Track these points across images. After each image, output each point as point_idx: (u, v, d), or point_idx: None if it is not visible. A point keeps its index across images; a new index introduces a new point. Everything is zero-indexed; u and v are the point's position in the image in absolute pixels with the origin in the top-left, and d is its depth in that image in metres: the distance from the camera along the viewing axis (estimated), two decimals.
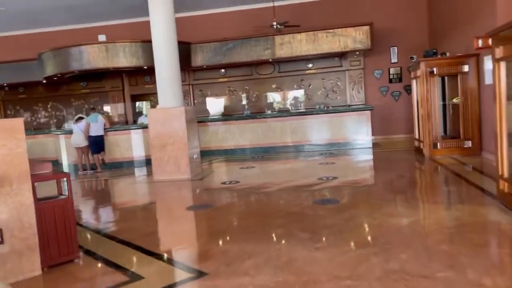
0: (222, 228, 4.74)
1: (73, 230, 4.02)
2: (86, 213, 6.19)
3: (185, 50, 11.30)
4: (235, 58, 11.48)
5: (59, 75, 11.16)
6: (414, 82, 9.23)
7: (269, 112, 11.79)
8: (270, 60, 11.71)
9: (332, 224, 4.50)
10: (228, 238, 4.39)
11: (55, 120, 13.23)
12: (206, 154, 11.18)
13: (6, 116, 13.97)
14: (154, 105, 11.50)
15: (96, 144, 9.85)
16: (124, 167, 10.13)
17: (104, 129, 9.99)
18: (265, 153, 10.92)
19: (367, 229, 4.37)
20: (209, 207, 5.73)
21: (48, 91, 13.66)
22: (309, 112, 11.04)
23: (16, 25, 12.87)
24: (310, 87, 12.70)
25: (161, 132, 8.13)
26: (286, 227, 4.55)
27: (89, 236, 4.85)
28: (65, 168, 10.61)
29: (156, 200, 6.79)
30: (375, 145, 10.76)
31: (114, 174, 9.52)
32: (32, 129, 13.10)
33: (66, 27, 13.27)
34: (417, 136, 9.18)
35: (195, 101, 13.24)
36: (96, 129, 9.81)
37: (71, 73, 10.96)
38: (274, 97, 13.04)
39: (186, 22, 12.67)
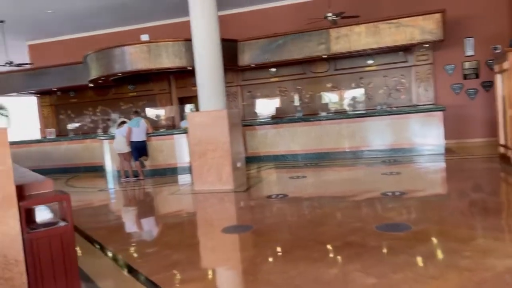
0: (258, 263, 3.78)
1: (73, 265, 3.25)
2: (106, 230, 5.50)
3: (231, 49, 10.52)
4: (286, 55, 10.49)
5: (103, 78, 10.80)
6: (498, 77, 7.70)
7: (324, 114, 10.67)
8: (325, 56, 10.58)
9: (404, 264, 3.38)
10: (262, 280, 3.42)
11: (104, 125, 13.00)
12: (253, 160, 10.31)
13: (58, 120, 14.02)
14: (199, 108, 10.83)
15: (138, 150, 9.31)
16: (167, 174, 9.51)
17: (147, 134, 9.43)
18: (319, 160, 9.83)
19: (455, 275, 3.20)
20: (248, 229, 4.79)
21: (98, 95, 13.50)
22: (369, 113, 9.79)
23: (64, 29, 12.82)
24: (371, 86, 11.40)
25: (201, 138, 7.36)
26: (343, 267, 3.50)
27: (99, 262, 4.11)
28: (109, 174, 10.20)
29: (189, 218, 5.96)
30: (447, 151, 9.29)
31: (155, 183, 8.90)
32: (81, 133, 12.99)
33: (111, 30, 13.11)
34: (502, 141, 7.66)
35: (244, 103, 12.42)
36: (138, 135, 9.27)
37: (114, 75, 10.55)
38: (329, 98, 11.88)
39: (232, 20, 11.91)
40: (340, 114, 10.14)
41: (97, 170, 11.17)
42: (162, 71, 10.99)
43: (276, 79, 12.07)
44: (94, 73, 10.68)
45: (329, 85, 11.75)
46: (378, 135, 9.57)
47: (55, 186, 3.43)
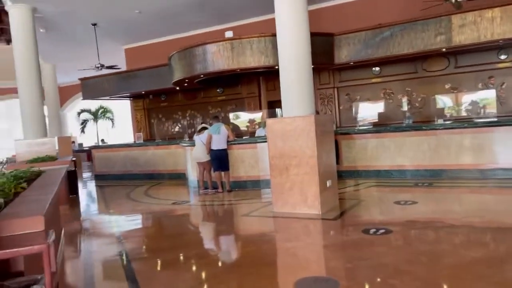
0: None
1: None
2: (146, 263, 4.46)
3: (326, 44, 9.05)
4: (393, 50, 8.67)
5: (186, 80, 10.11)
6: None
7: (441, 121, 8.61)
8: (444, 50, 8.52)
9: None
10: None
11: (190, 130, 12.44)
12: (349, 175, 8.71)
13: (150, 124, 13.88)
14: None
15: (218, 159, 8.34)
16: (248, 187, 8.39)
17: (228, 141, 8.43)
18: (433, 178, 7.87)
19: None
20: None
21: (187, 98, 13.03)
22: (504, 122, 7.54)
23: (155, 31, 12.56)
24: (503, 87, 9.01)
25: (282, 150, 6.06)
26: None
27: None
28: (191, 184, 9.41)
29: (255, 257, 4.60)
30: None
31: (233, 197, 7.83)
32: (167, 138, 12.59)
33: (197, 32, 12.57)
34: None
35: (341, 108, 10.82)
36: (218, 142, 8.31)
37: (197, 77, 9.77)
38: (446, 102, 9.71)
39: (328, 12, 10.44)
40: (463, 122, 8.02)
41: (180, 178, 10.53)
42: (249, 72, 9.95)
43: (380, 79, 10.25)
44: (177, 75, 10.04)
45: (447, 86, 9.59)
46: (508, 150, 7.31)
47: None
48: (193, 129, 12.67)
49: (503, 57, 8.93)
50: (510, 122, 7.41)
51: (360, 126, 9.70)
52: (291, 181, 6.03)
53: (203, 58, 8.94)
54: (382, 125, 9.51)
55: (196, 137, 8.72)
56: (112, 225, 6.67)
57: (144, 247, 5.15)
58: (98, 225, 6.73)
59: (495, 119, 8.16)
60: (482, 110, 9.16)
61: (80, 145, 19.02)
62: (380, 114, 10.25)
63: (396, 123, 9.71)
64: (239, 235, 5.50)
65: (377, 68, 10.23)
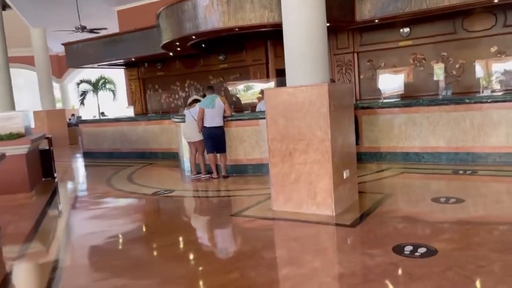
0: None
1: None
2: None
3: None
4: (429, 2, 6.92)
5: (177, 43, 8.57)
6: None
7: (487, 92, 6.96)
8: (496, 0, 6.76)
9: None
10: None
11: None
12: (371, 158, 7.23)
13: (145, 96, 12.46)
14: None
15: (212, 139, 6.92)
16: (249, 172, 6.98)
17: (224, 117, 6.97)
18: (476, 164, 6.32)
19: None
20: None
21: (186, 67, 11.52)
22: None
23: None
24: None
25: (284, 130, 4.60)
26: None
27: None
28: (185, 167, 8.00)
29: None
30: None
31: (229, 186, 6.45)
32: (161, 112, 11.19)
33: None
34: None
35: (361, 76, 9.18)
36: (213, 118, 6.86)
37: (189, 39, 8.21)
38: (491, 69, 7.98)
39: None
40: None
41: (175, 158, 9.16)
42: (252, 33, 8.34)
43: (410, 42, 8.54)
44: (165, 37, 8.47)
45: (493, 49, 7.84)
46: None
47: None
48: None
49: None
50: None
51: (384, 98, 8.09)
52: (296, 171, 4.59)
53: (194, 15, 7.33)
54: (411, 98, 7.90)
55: (186, 112, 7.29)
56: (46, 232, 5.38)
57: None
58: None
59: None
60: None
61: (79, 118, 17.82)
62: (406, 85, 8.60)
63: (427, 95, 8.08)
64: (214, 252, 4.04)
65: (407, 29, 8.51)
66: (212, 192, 6.25)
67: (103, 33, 12.50)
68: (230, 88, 10.57)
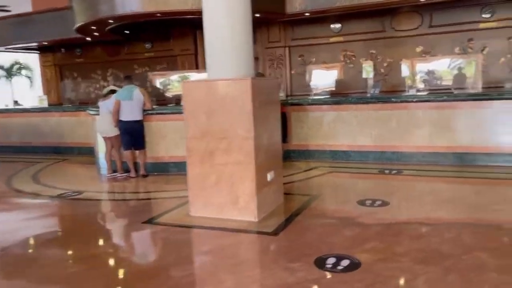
0: None
1: None
2: None
3: None
4: None
5: (93, 27, 7.76)
6: None
7: (413, 92, 7.02)
8: (423, 0, 6.80)
9: None
10: None
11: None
12: (300, 156, 7.02)
13: (62, 84, 11.34)
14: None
15: (129, 134, 6.29)
16: (171, 171, 6.45)
17: (144, 110, 6.37)
18: (401, 163, 6.33)
19: None
20: None
21: (108, 54, 10.61)
22: (496, 95, 6.02)
23: None
24: (485, 53, 7.52)
25: (205, 128, 4.16)
26: None
27: None
28: (101, 164, 7.23)
29: None
30: None
31: (148, 187, 5.90)
32: (78, 103, 10.24)
33: None
34: None
35: (293, 72, 8.97)
36: (130, 111, 6.23)
37: (105, 23, 7.45)
38: (417, 69, 8.12)
39: None
40: (441, 95, 6.43)
41: (92, 154, 8.34)
42: (180, 21, 7.76)
43: (341, 38, 8.45)
44: (79, 19, 7.62)
45: (418, 49, 7.98)
46: (505, 131, 5.86)
47: None
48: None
49: (487, 15, 7.38)
50: (501, 96, 5.88)
51: (314, 95, 7.92)
52: (217, 172, 4.17)
53: None
54: (341, 95, 7.82)
55: (100, 103, 6.58)
56: None
57: None
58: None
59: (486, 93, 6.67)
60: (458, 80, 7.66)
61: None
62: (337, 82, 8.54)
63: (357, 93, 8.05)
64: (111, 271, 3.51)
65: (338, 25, 8.41)
66: (126, 194, 5.67)
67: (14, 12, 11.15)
68: (162, 79, 9.87)
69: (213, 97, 4.10)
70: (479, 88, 7.19)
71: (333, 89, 8.42)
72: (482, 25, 7.46)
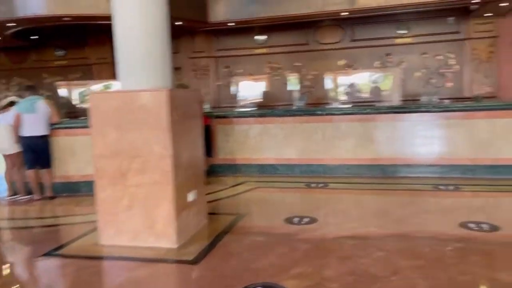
0: None
1: None
2: None
3: None
4: (283, 9, 6.73)
5: None
6: None
7: (336, 105, 7.08)
8: (345, 14, 6.91)
9: None
10: None
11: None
12: (227, 170, 6.74)
13: None
14: None
15: (32, 151, 5.57)
16: (82, 191, 5.78)
17: (51, 125, 5.68)
18: (327, 176, 6.30)
19: None
20: None
21: (13, 61, 9.56)
22: (412, 108, 6.20)
23: None
24: (403, 67, 7.85)
25: (116, 145, 3.70)
26: None
27: None
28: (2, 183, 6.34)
29: None
30: None
31: (56, 209, 5.22)
32: None
33: None
34: None
35: (219, 83, 8.71)
36: (34, 125, 5.53)
37: (5, 26, 6.64)
38: (341, 81, 8.26)
39: None
40: (364, 108, 6.52)
41: None
42: (94, 27, 7.15)
43: (265, 50, 8.38)
44: None
45: (341, 62, 8.13)
46: (424, 142, 6.05)
47: None
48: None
49: (402, 31, 7.71)
50: (420, 109, 6.06)
51: (240, 107, 7.70)
52: (130, 195, 3.72)
53: None
54: (268, 107, 7.68)
55: None
56: None
57: None
58: None
59: (404, 106, 6.88)
60: (376, 93, 7.89)
61: None
62: (265, 93, 8.42)
63: (284, 105, 7.98)
64: None
65: (263, 37, 8.32)
66: (28, 220, 4.95)
67: None
68: (80, 89, 9.04)
69: (125, 110, 3.66)
70: (397, 101, 7.44)
71: (260, 101, 8.28)
72: (398, 41, 7.78)
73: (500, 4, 6.38)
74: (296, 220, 4.31)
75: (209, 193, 5.56)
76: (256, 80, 8.57)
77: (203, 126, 5.55)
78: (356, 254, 3.38)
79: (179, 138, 3.75)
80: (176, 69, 8.95)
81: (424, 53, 7.70)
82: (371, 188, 5.67)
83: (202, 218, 4.27)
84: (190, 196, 3.96)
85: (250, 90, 8.58)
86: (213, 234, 3.98)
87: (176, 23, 6.75)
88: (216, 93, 8.64)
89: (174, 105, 3.66)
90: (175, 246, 3.63)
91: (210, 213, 4.53)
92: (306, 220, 4.29)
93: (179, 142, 3.73)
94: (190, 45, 8.47)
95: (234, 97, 8.43)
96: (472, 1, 6.37)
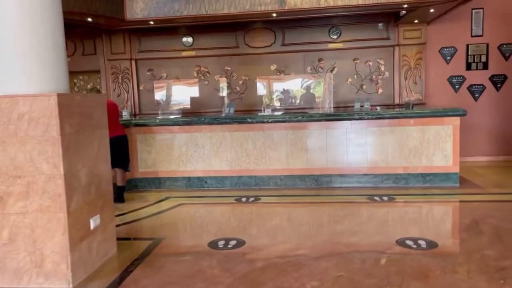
0: None
1: None
2: None
3: None
4: (209, 8, 6.20)
5: None
6: None
7: (268, 112, 6.67)
8: (274, 15, 6.54)
9: None
10: None
11: None
12: (149, 184, 6.07)
13: None
14: None
15: None
16: None
17: None
18: (259, 189, 5.86)
19: None
20: None
21: None
22: (345, 115, 5.94)
23: None
24: (335, 73, 7.66)
25: None
26: None
27: None
28: None
29: None
30: (462, 180, 5.87)
31: None
32: None
33: None
34: None
35: (141, 88, 7.99)
36: None
37: None
38: (273, 87, 7.91)
39: None
40: (296, 115, 6.16)
41: None
42: None
43: (193, 53, 7.80)
44: None
45: (273, 67, 7.78)
46: (357, 151, 5.82)
47: None
48: None
49: (334, 36, 7.53)
50: (353, 116, 5.80)
51: (163, 114, 7.03)
52: (12, 225, 2.98)
53: None
54: (196, 114, 7.09)
55: None
56: None
57: None
58: None
59: (337, 113, 6.65)
60: (309, 100, 7.64)
61: None
62: (192, 100, 7.83)
63: (214, 112, 7.45)
64: None
65: (190, 38, 7.75)
66: None
67: None
68: None
69: (2, 120, 2.92)
70: (330, 108, 7.23)
71: (188, 107, 7.68)
72: (331, 46, 7.58)
73: (430, 11, 6.36)
74: (221, 243, 3.78)
75: (125, 213, 4.91)
76: (183, 85, 7.97)
77: (121, 136, 4.89)
78: (289, 285, 2.91)
79: (77, 154, 3.08)
80: (95, 72, 8.11)
81: (355, 59, 7.57)
82: (305, 201, 5.30)
83: (110, 247, 3.59)
84: (93, 222, 3.28)
85: (176, 95, 7.96)
86: (121, 268, 3.33)
87: (89, 20, 5.98)
88: (138, 98, 7.90)
89: (68, 113, 2.99)
90: (70, 286, 2.94)
91: (122, 239, 3.89)
92: (232, 243, 3.78)
93: (74, 158, 3.05)
94: (107, 46, 7.68)
95: (158, 103, 7.75)
96: (402, 7, 6.27)
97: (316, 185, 5.86)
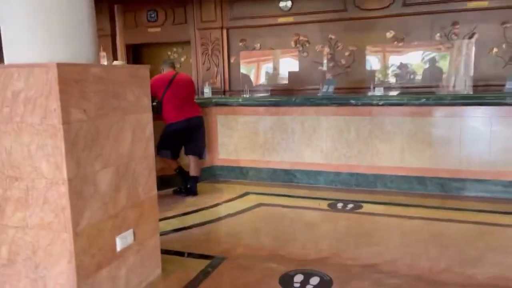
0: None
1: None
2: None
3: None
4: None
5: None
6: None
7: (379, 91, 5.19)
8: None
9: None
10: None
11: None
12: (229, 174, 5.20)
13: None
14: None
15: None
16: None
17: None
18: (361, 190, 4.56)
19: None
20: None
21: None
22: (482, 98, 4.27)
23: None
24: (474, 40, 5.82)
25: None
26: None
27: None
28: None
29: None
30: None
31: None
32: None
33: None
34: None
35: (232, 60, 7.07)
36: None
37: None
38: (389, 60, 6.36)
39: None
40: (418, 96, 4.63)
41: None
42: None
43: (291, 19, 6.60)
44: None
45: (389, 34, 6.20)
46: (503, 149, 4.14)
47: None
48: None
49: None
50: (504, 99, 4.11)
51: (250, 92, 6.01)
52: (11, 241, 2.24)
53: None
54: (289, 92, 5.97)
55: None
56: None
57: None
58: None
59: (476, 95, 4.95)
60: (436, 77, 5.94)
61: None
62: (291, 75, 6.69)
63: (311, 90, 6.23)
64: None
65: (288, 2, 6.55)
66: None
67: None
68: None
69: None
70: (466, 88, 5.49)
71: (287, 83, 6.59)
72: (470, 4, 5.75)
73: None
74: (298, 281, 2.65)
75: (189, 212, 4.05)
76: (279, 57, 6.87)
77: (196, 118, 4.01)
78: None
79: (90, 149, 2.19)
80: (187, 43, 7.44)
81: (504, 22, 5.63)
82: (424, 214, 3.86)
83: (152, 269, 2.71)
84: (121, 242, 2.40)
85: (271, 70, 6.90)
86: None
87: None
88: (229, 73, 7.01)
89: (78, 92, 2.09)
90: None
91: (175, 253, 3.00)
92: (314, 282, 2.62)
93: (88, 156, 2.17)
94: (197, 13, 6.91)
95: (249, 78, 6.77)
96: None
97: (442, 191, 4.35)
